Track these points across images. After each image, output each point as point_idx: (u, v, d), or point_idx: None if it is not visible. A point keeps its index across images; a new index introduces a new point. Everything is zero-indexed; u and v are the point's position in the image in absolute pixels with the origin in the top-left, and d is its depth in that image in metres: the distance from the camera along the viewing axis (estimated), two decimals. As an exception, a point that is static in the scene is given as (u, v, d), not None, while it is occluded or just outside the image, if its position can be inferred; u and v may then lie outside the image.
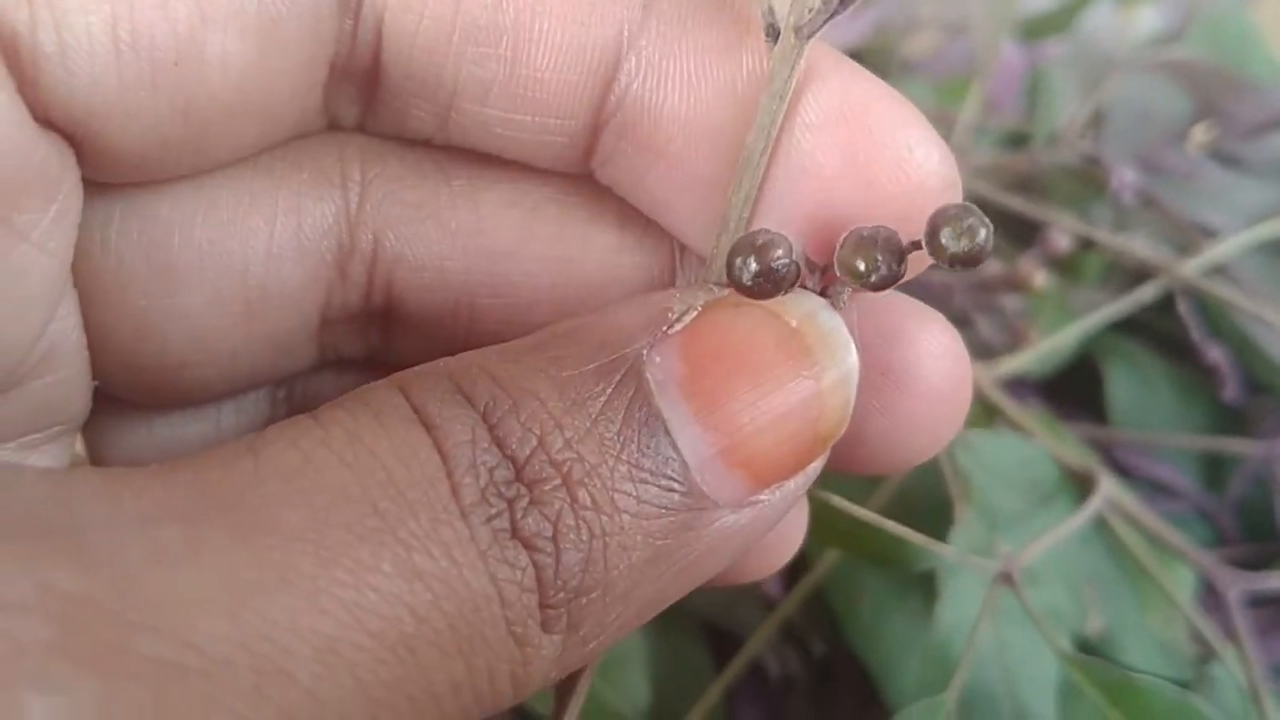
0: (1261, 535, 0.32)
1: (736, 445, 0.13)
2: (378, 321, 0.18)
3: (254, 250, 0.16)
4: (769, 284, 0.14)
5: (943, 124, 0.39)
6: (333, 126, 0.17)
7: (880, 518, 0.24)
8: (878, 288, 0.14)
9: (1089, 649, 0.27)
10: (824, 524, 0.25)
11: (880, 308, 0.16)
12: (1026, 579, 0.26)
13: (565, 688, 0.17)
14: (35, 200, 0.13)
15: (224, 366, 0.17)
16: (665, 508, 0.13)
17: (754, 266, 0.13)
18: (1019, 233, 0.35)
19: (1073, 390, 0.34)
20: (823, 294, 0.15)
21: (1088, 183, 0.35)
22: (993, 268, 0.33)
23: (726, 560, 0.14)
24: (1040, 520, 0.27)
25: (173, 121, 0.14)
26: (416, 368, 0.14)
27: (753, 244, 0.14)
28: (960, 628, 0.24)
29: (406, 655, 0.11)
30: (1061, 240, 0.32)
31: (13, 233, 0.13)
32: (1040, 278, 0.31)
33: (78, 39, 0.13)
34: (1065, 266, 0.34)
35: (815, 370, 0.14)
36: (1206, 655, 0.27)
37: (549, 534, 0.12)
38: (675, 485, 0.13)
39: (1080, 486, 0.28)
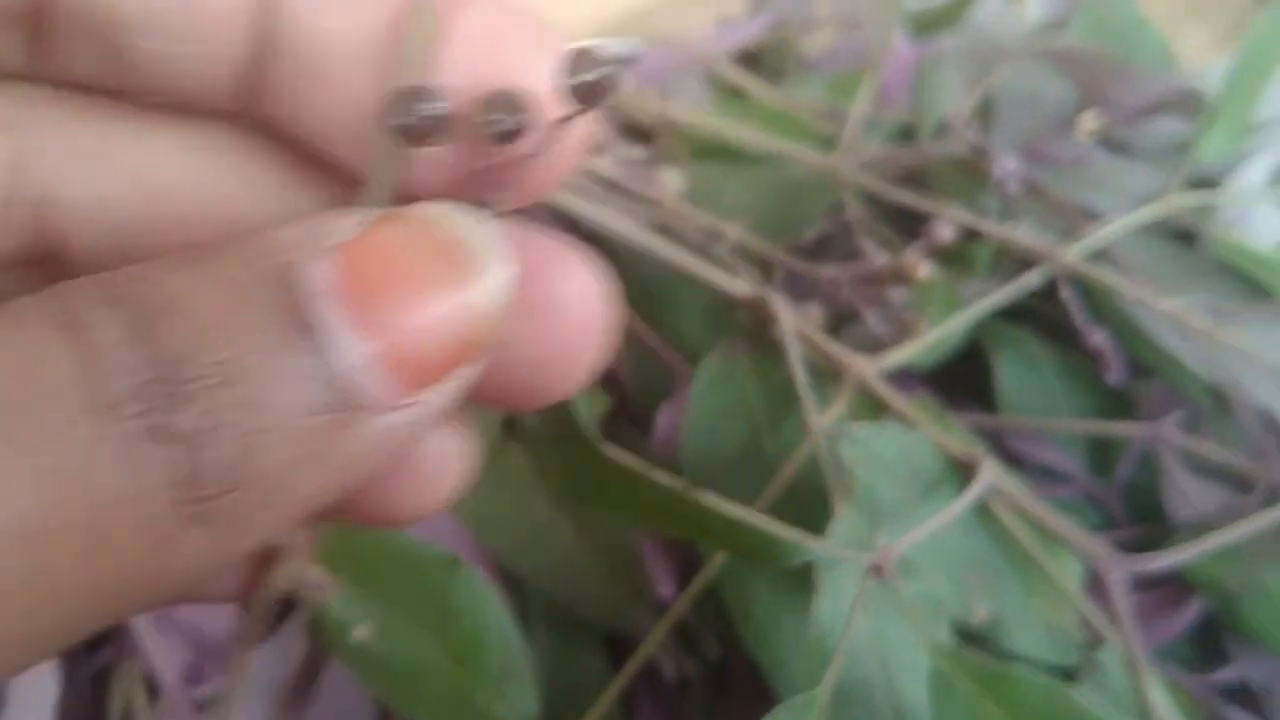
0: (1150, 516, 0.32)
1: (388, 349, 0.14)
2: (47, 268, 0.18)
3: None
4: (422, 128, 0.15)
5: (835, 119, 0.39)
6: None
7: (754, 513, 0.24)
8: (503, 140, 0.15)
9: (975, 637, 0.28)
10: (699, 523, 0.25)
11: (530, 245, 0.17)
12: (909, 570, 0.26)
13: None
14: None
15: None
16: (317, 407, 0.13)
17: (409, 109, 0.15)
18: (909, 226, 0.35)
19: (963, 380, 0.34)
20: (480, 208, 0.16)
21: (974, 173, 0.35)
22: (879, 260, 0.33)
23: (383, 459, 0.15)
24: (923, 511, 0.27)
25: None
26: (74, 280, 0.14)
27: (409, 91, 0.15)
28: (837, 622, 0.24)
29: (38, 548, 0.12)
30: (946, 231, 0.32)
31: None
32: (924, 269, 0.31)
33: None
34: (953, 257, 0.34)
35: (469, 278, 0.15)
36: (1095, 640, 0.28)
37: (193, 430, 0.13)
38: (327, 386, 0.14)
39: (965, 475, 0.28)
